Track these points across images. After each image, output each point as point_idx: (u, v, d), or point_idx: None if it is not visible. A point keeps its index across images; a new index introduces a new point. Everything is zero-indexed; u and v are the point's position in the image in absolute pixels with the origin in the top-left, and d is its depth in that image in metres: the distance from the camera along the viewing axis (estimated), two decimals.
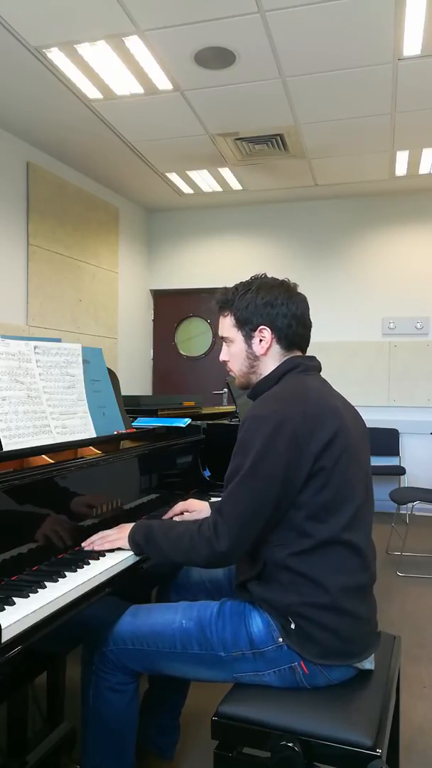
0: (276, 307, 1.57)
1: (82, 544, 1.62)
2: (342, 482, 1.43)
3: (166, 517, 1.98)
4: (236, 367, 1.65)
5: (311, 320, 1.64)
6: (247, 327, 1.60)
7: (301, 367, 1.57)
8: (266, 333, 1.58)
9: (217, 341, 1.86)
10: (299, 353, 1.63)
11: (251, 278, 1.66)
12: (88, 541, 1.63)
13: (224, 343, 1.67)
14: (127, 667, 1.54)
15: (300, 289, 1.66)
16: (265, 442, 1.40)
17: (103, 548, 1.60)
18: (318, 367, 1.63)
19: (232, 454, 1.48)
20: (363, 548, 1.46)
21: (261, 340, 1.59)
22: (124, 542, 1.59)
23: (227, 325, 1.64)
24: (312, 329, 1.66)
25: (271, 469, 1.39)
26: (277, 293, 1.59)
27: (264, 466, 1.39)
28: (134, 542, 1.57)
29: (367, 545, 1.49)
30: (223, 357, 1.68)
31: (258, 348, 1.60)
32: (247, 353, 1.61)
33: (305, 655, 1.41)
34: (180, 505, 1.98)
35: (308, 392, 1.48)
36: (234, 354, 1.64)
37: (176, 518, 1.94)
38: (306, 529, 1.42)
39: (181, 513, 1.97)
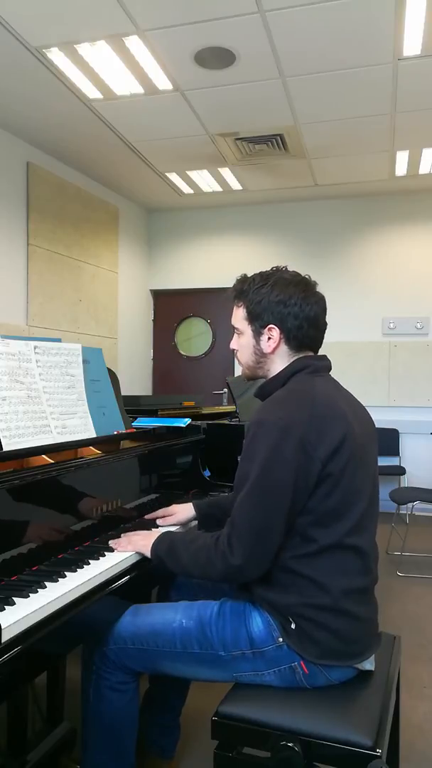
0: (289, 307, 1.52)
1: (110, 543, 1.63)
2: (349, 489, 1.41)
3: (148, 517, 1.97)
4: (243, 359, 1.63)
5: (326, 321, 1.59)
6: (257, 323, 1.56)
7: (310, 368, 1.53)
8: (275, 332, 1.54)
9: (229, 328, 1.83)
10: (310, 353, 1.59)
11: (272, 269, 1.60)
12: (116, 540, 1.64)
13: (235, 332, 1.64)
14: (128, 667, 1.54)
15: None
16: (271, 449, 1.37)
17: (126, 550, 1.59)
18: (328, 367, 1.59)
19: (239, 460, 1.45)
20: (367, 551, 1.46)
21: (269, 339, 1.55)
22: (147, 551, 1.58)
23: (239, 317, 1.61)
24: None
25: (280, 476, 1.36)
26: (293, 292, 1.53)
27: (273, 474, 1.37)
28: (156, 555, 1.56)
29: (371, 548, 1.48)
30: (232, 345, 1.66)
31: (265, 346, 1.56)
32: (255, 348, 1.58)
33: (305, 655, 1.41)
34: (161, 510, 1.97)
35: (315, 396, 1.45)
36: (242, 346, 1.61)
37: (158, 521, 1.93)
38: (310, 535, 1.40)
39: (163, 516, 1.95)
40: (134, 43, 3.41)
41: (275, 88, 3.91)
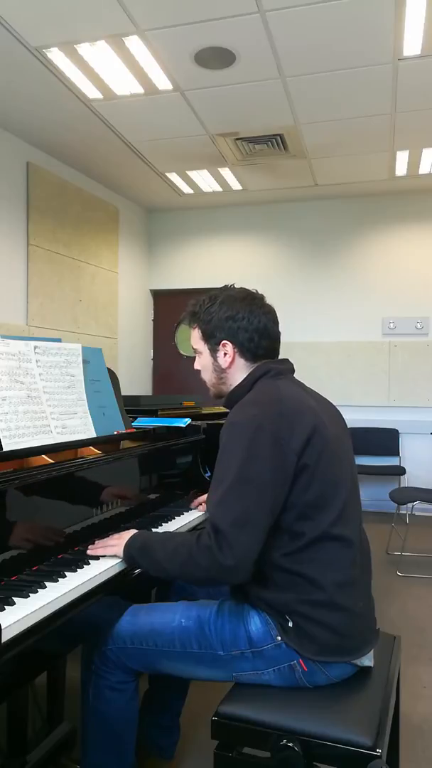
0: (237, 321, 1.59)
1: (87, 551, 1.59)
2: (326, 479, 1.45)
3: (193, 505, 2.06)
4: (206, 378, 1.70)
5: (278, 330, 1.66)
6: (212, 341, 1.64)
7: (272, 371, 1.59)
8: (229, 347, 1.61)
9: None
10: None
11: (220, 289, 1.68)
12: (91, 546, 1.61)
13: (196, 354, 1.71)
14: (127, 667, 1.54)
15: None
16: (246, 447, 1.40)
17: (102, 555, 1.57)
18: (291, 370, 1.65)
19: (216, 463, 1.47)
20: (354, 541, 1.47)
21: (225, 354, 1.62)
22: (120, 550, 1.54)
23: (196, 338, 1.68)
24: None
25: (258, 472, 1.39)
26: (240, 307, 1.60)
27: (251, 470, 1.39)
28: (128, 555, 1.53)
29: (358, 538, 1.50)
30: (196, 366, 1.72)
31: (223, 361, 1.63)
32: (214, 366, 1.65)
33: (304, 653, 1.42)
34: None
35: (281, 395, 1.50)
36: (203, 365, 1.69)
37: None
38: (296, 529, 1.43)
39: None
40: (134, 43, 3.41)
41: (275, 88, 3.91)
